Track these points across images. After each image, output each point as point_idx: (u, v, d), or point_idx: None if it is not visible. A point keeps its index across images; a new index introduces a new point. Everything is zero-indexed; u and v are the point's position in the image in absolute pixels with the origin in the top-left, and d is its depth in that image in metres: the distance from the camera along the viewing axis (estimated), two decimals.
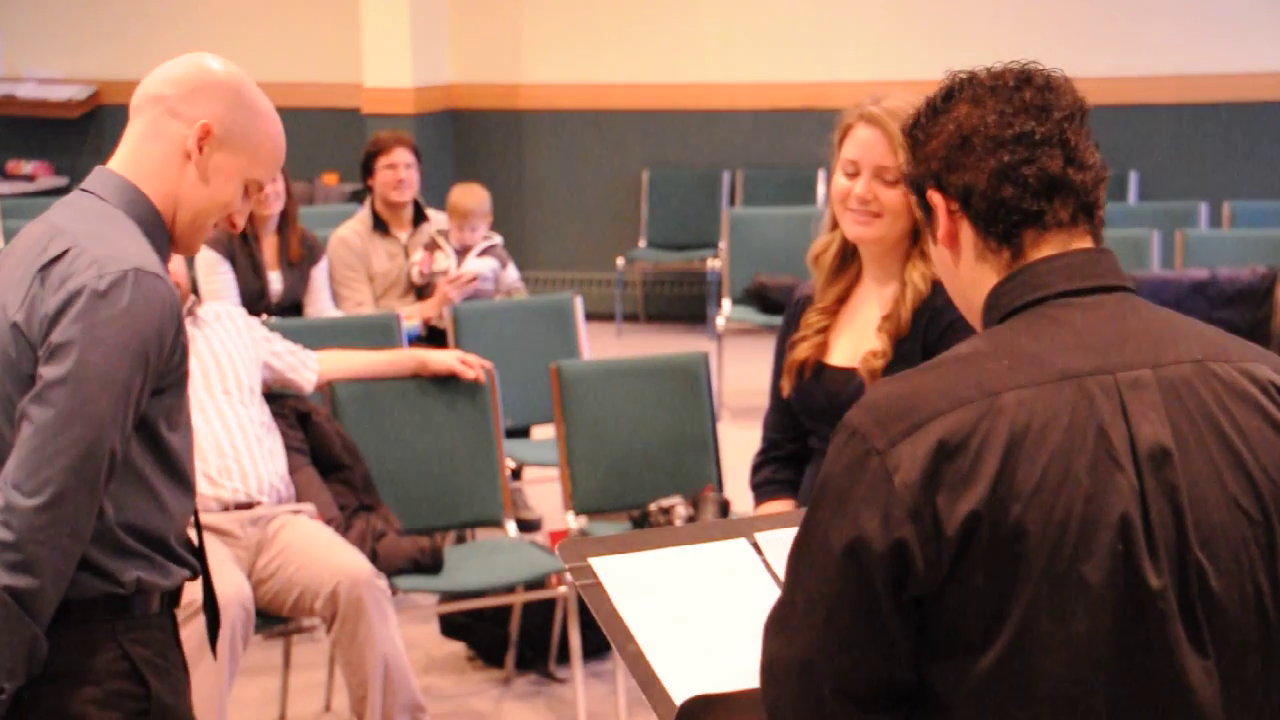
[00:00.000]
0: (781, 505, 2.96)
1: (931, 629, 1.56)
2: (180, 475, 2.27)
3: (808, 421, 2.94)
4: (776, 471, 3.01)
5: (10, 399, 2.17)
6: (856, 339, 2.86)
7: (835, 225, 2.90)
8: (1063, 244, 1.67)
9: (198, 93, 2.28)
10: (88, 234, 2.20)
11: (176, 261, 3.61)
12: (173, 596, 2.31)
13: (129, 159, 2.29)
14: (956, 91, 1.71)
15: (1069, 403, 1.57)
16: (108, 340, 2.13)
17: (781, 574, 2.08)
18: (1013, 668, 1.54)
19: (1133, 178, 8.60)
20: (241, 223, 2.39)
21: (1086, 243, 1.68)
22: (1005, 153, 1.65)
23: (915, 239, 2.82)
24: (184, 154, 2.27)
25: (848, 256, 2.92)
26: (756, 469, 3.05)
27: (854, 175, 2.81)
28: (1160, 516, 1.56)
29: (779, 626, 1.63)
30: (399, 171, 5.84)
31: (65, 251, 2.18)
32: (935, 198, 1.70)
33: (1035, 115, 1.66)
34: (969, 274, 1.70)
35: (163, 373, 2.20)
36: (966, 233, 1.69)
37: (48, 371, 2.13)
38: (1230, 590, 1.58)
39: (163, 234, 2.28)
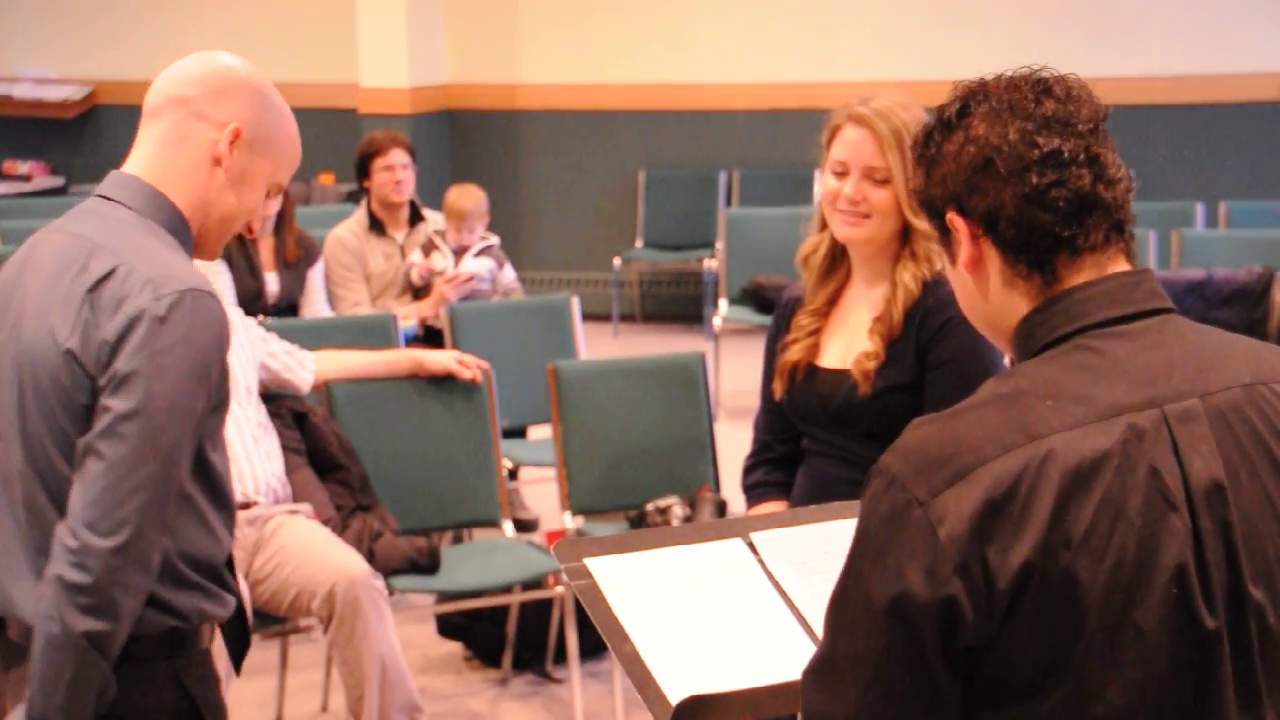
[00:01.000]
0: (773, 507, 2.95)
1: (980, 678, 1.50)
2: (223, 497, 2.19)
3: (800, 424, 2.94)
4: (768, 473, 3.00)
5: (65, 431, 2.08)
6: (848, 341, 2.86)
7: (824, 226, 2.90)
8: (1097, 267, 1.58)
9: (224, 94, 2.19)
10: (131, 250, 2.10)
11: None
12: (221, 627, 2.24)
13: (151, 163, 2.20)
14: (971, 105, 1.61)
15: (1119, 442, 1.49)
16: (173, 368, 2.05)
17: (777, 574, 2.09)
18: (1065, 716, 1.48)
19: None
20: (259, 228, 2.34)
21: (1122, 264, 1.60)
22: (1033, 175, 1.56)
23: (905, 240, 2.82)
24: (213, 159, 2.18)
25: (837, 257, 2.91)
26: (748, 471, 3.05)
27: (843, 176, 2.81)
28: (1215, 556, 1.50)
29: (820, 682, 1.55)
30: (396, 173, 5.84)
31: (112, 271, 2.08)
32: (956, 221, 1.61)
33: (1059, 131, 1.57)
34: (996, 300, 1.61)
35: (214, 393, 2.13)
36: (992, 258, 1.59)
37: (115, 404, 2.03)
38: None
39: (188, 241, 2.20)
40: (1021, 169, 1.56)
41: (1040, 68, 1.62)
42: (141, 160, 2.21)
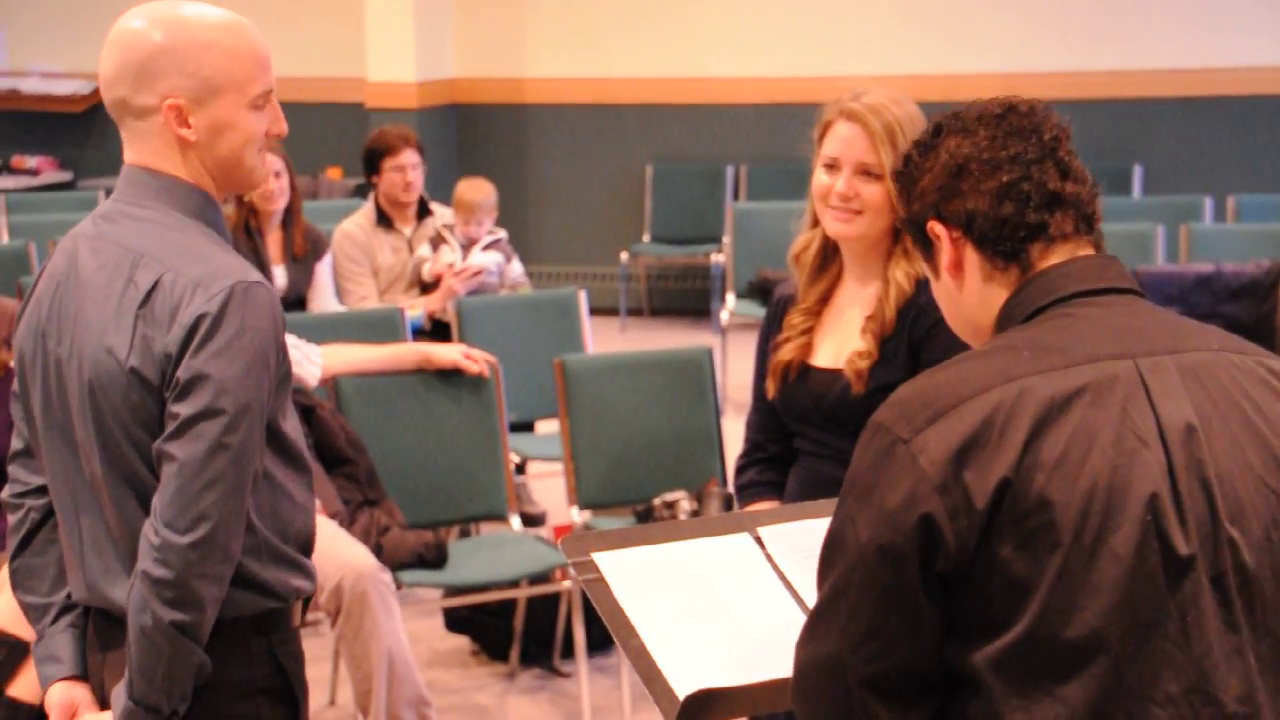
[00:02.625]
0: (766, 507, 2.92)
1: (959, 612, 1.58)
2: (298, 461, 2.25)
3: (793, 423, 2.91)
4: (761, 473, 2.98)
5: (142, 441, 2.13)
6: (841, 340, 2.83)
7: (815, 223, 2.88)
8: (1069, 253, 1.71)
9: (143, 76, 2.14)
10: (171, 253, 2.13)
11: None
12: (307, 603, 2.31)
13: (147, 157, 2.20)
14: (943, 127, 1.75)
15: (1091, 382, 1.60)
16: (233, 365, 2.08)
17: (784, 568, 2.09)
18: (1041, 639, 1.55)
19: (1137, 172, 8.59)
20: (269, 180, 2.30)
21: (1090, 251, 1.72)
22: (1003, 173, 1.69)
23: (897, 237, 2.79)
24: (181, 141, 2.16)
25: (829, 255, 2.88)
26: (740, 470, 3.02)
27: (834, 171, 2.80)
28: (1189, 490, 1.58)
29: (810, 633, 1.65)
30: (406, 173, 5.82)
31: (158, 281, 2.11)
32: (937, 229, 1.74)
33: (1025, 137, 1.71)
34: (976, 296, 1.73)
35: (275, 374, 2.17)
36: (971, 257, 1.72)
37: (183, 408, 2.08)
38: (1263, 565, 1.60)
39: (216, 210, 2.21)
40: (993, 168, 1.71)
41: (1008, 96, 1.77)
42: (140, 154, 2.22)
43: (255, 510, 2.16)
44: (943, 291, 1.78)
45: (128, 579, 2.16)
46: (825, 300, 2.89)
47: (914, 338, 2.76)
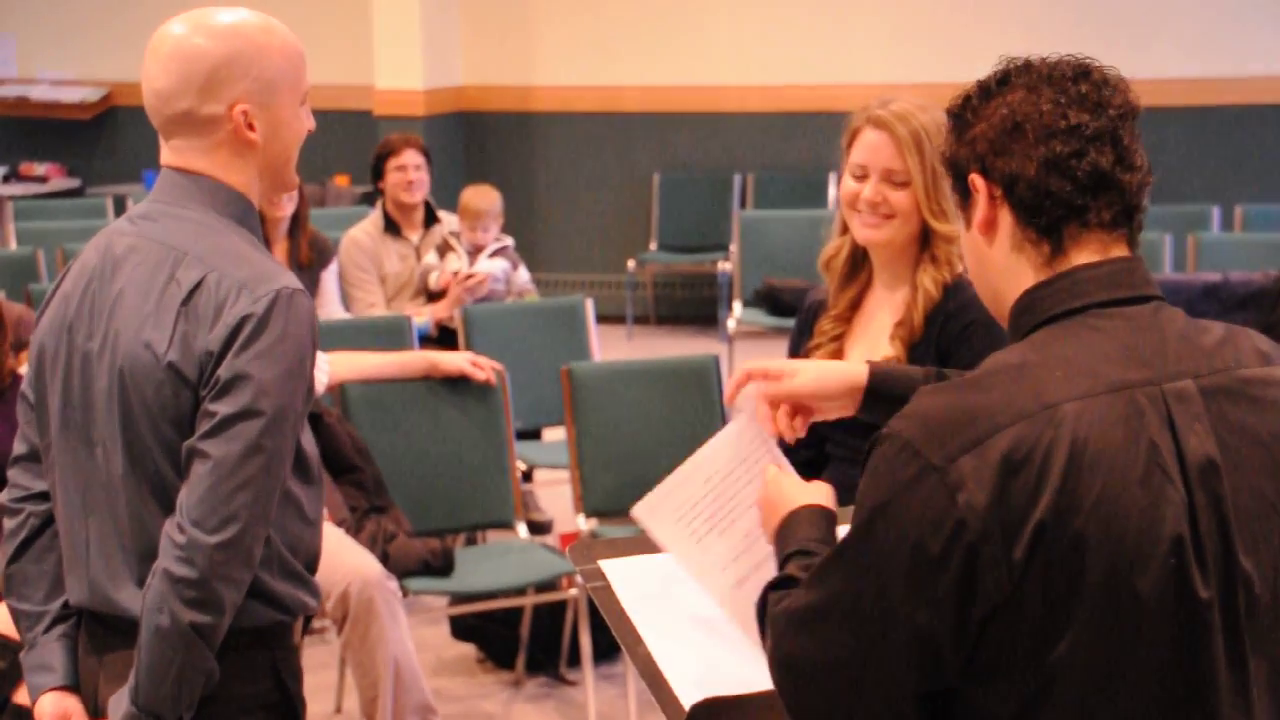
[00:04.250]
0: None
1: (980, 651, 1.53)
2: (310, 476, 2.24)
3: (823, 428, 2.93)
4: None
5: (171, 440, 2.12)
6: (870, 345, 2.85)
7: (845, 229, 2.90)
8: (1101, 247, 1.64)
9: (210, 86, 2.16)
10: (216, 254, 2.13)
11: None
12: (307, 622, 2.32)
13: (196, 164, 2.19)
14: (1012, 76, 1.67)
15: (1122, 415, 1.55)
16: (274, 368, 2.08)
17: None
18: (1066, 684, 1.52)
19: None
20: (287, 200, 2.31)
21: (1123, 249, 1.66)
22: (1058, 143, 1.62)
23: (925, 243, 2.81)
24: (245, 144, 2.18)
25: (858, 261, 2.91)
26: None
27: (862, 178, 2.81)
28: (1208, 529, 1.55)
29: (806, 629, 1.60)
30: (409, 173, 5.85)
31: (202, 280, 2.11)
32: (978, 181, 1.67)
33: (1090, 109, 1.63)
34: (1002, 262, 1.67)
35: (307, 384, 2.17)
36: (1006, 221, 1.66)
37: (221, 407, 2.07)
38: (1266, 592, 1.58)
39: (254, 217, 2.23)
40: (1048, 136, 1.62)
41: (1085, 57, 1.68)
42: (183, 159, 2.21)
43: (271, 523, 2.15)
44: (971, 246, 1.72)
45: (134, 583, 2.15)
46: (856, 306, 2.91)
47: (942, 343, 2.77)
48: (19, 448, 2.34)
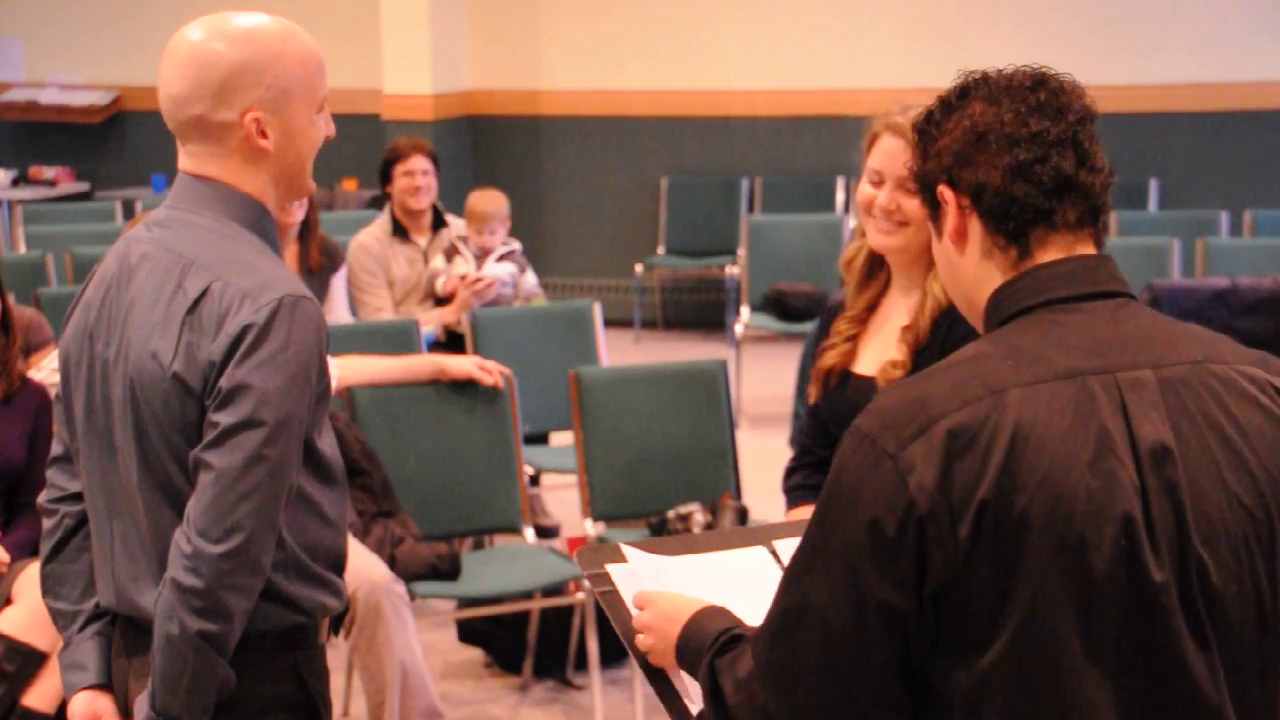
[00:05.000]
0: (810, 511, 2.96)
1: (940, 629, 1.58)
2: (332, 478, 2.25)
3: (834, 429, 2.95)
4: (808, 477, 3.03)
5: (179, 448, 2.13)
6: (882, 348, 2.88)
7: (865, 233, 2.92)
8: (1067, 247, 1.69)
9: (222, 93, 2.15)
10: (222, 262, 2.13)
11: None
12: (336, 620, 2.32)
13: (210, 169, 2.20)
14: (971, 90, 1.73)
15: (1071, 399, 1.59)
16: (277, 377, 2.08)
17: None
18: (1018, 660, 1.56)
19: (1153, 186, 8.58)
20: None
21: (1089, 248, 1.71)
22: (1021, 150, 1.67)
23: None
24: (257, 151, 2.18)
25: (876, 264, 2.94)
26: (789, 474, 3.08)
27: (878, 184, 2.82)
28: (1161, 512, 1.58)
29: (780, 636, 1.63)
30: (416, 179, 5.85)
31: (207, 289, 2.11)
32: (946, 193, 1.72)
33: (1050, 115, 1.68)
34: (973, 270, 1.73)
35: (317, 389, 2.17)
36: (975, 229, 1.71)
37: (222, 418, 2.08)
38: (1229, 585, 1.61)
39: (270, 222, 2.22)
40: (1011, 144, 1.68)
41: (1040, 66, 1.74)
42: (198, 164, 2.21)
43: (285, 526, 2.15)
44: (943, 256, 1.77)
45: (155, 586, 2.16)
46: (872, 308, 2.94)
47: (947, 348, 2.78)
48: (55, 448, 2.37)
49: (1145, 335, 1.67)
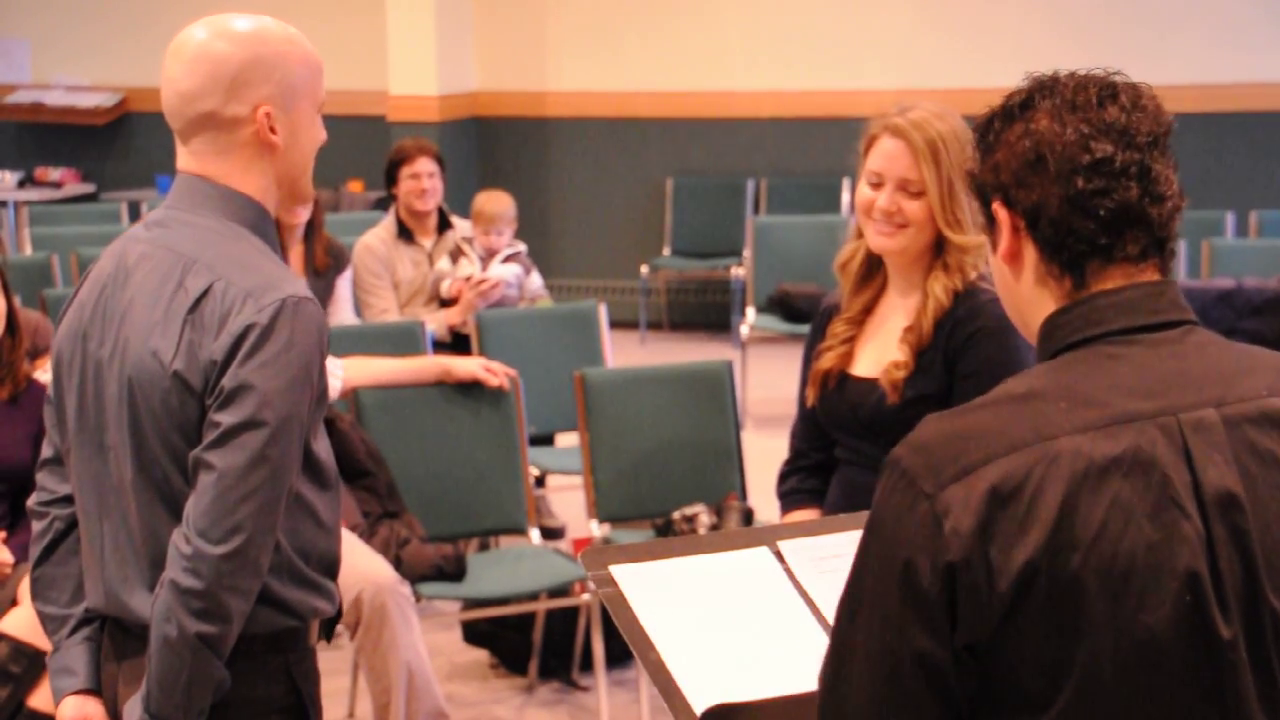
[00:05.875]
0: (807, 514, 2.96)
1: (989, 683, 1.50)
2: (327, 481, 2.24)
3: (832, 431, 2.94)
4: (802, 481, 3.01)
5: (179, 448, 2.12)
6: (881, 349, 2.86)
7: (861, 234, 2.91)
8: (1126, 277, 1.58)
9: (235, 87, 2.16)
10: (224, 261, 2.13)
11: None
12: (329, 623, 2.31)
13: (214, 169, 2.19)
14: (1036, 98, 1.61)
15: (1129, 448, 1.49)
16: (279, 378, 2.07)
17: (804, 582, 2.08)
18: None
19: None
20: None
21: (1152, 275, 1.59)
22: (1080, 179, 1.56)
23: (938, 251, 2.82)
24: (266, 146, 2.18)
25: (873, 266, 2.92)
26: (783, 478, 3.06)
27: (878, 186, 2.81)
28: (1229, 564, 1.49)
29: (833, 676, 1.56)
30: (422, 181, 5.85)
31: (209, 288, 2.11)
32: (1001, 212, 1.62)
33: (1116, 139, 1.56)
34: (1027, 294, 1.62)
35: (317, 391, 2.16)
36: (1030, 254, 1.60)
37: (224, 417, 2.07)
38: None
39: (270, 224, 2.22)
40: (1070, 171, 1.56)
41: (1114, 71, 1.62)
42: (200, 163, 2.21)
43: (280, 528, 2.14)
44: (999, 274, 1.66)
45: (146, 588, 2.15)
46: (869, 310, 2.92)
47: (950, 349, 2.78)
48: (46, 451, 2.36)
49: (1210, 368, 1.56)
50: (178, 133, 2.22)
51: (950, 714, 1.51)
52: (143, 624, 2.14)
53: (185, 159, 2.22)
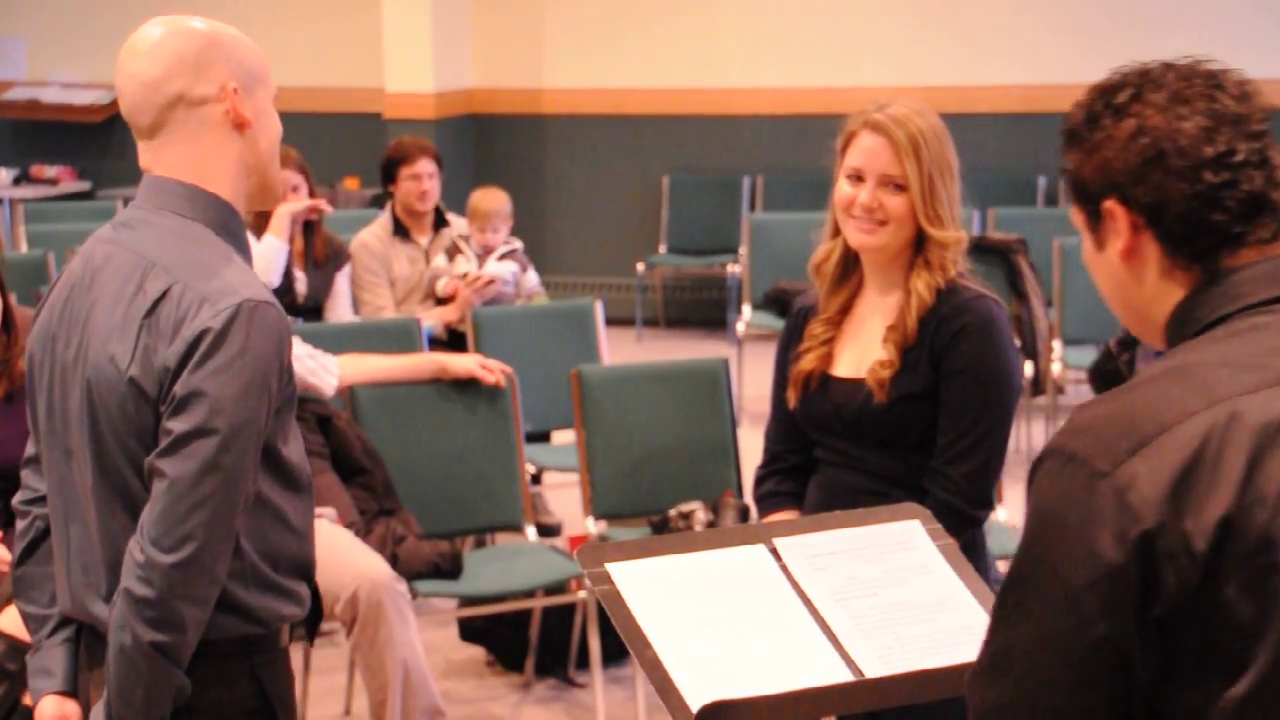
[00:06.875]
0: (785, 517, 2.92)
1: (1176, 654, 1.46)
2: (297, 485, 2.21)
3: (813, 433, 2.91)
4: (780, 484, 2.97)
5: (135, 453, 2.10)
6: (862, 349, 2.84)
7: (836, 233, 2.89)
8: (1259, 254, 1.56)
9: (200, 67, 2.16)
10: (184, 265, 2.11)
11: None
12: (311, 624, 2.29)
13: (181, 161, 2.18)
14: (1141, 91, 1.57)
15: None
16: (231, 385, 2.05)
17: (799, 579, 2.08)
18: (1273, 690, 1.44)
19: None
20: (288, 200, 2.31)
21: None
22: (1207, 172, 1.53)
23: (918, 247, 2.80)
24: (235, 125, 2.18)
25: (849, 265, 2.89)
26: (760, 481, 3.02)
27: (858, 182, 2.81)
28: None
29: (993, 675, 1.52)
30: (423, 182, 5.84)
31: (167, 291, 2.08)
32: (1115, 209, 1.57)
33: (1234, 129, 1.55)
34: (1151, 290, 1.58)
35: (277, 399, 2.13)
36: (1151, 249, 1.57)
37: (176, 425, 2.05)
38: None
39: (238, 222, 2.21)
40: (1195, 166, 1.54)
41: (1206, 59, 1.60)
42: (170, 160, 2.19)
43: (245, 534, 2.12)
44: (1106, 272, 1.62)
45: (106, 594, 2.13)
46: (846, 311, 2.89)
47: (935, 347, 2.77)
48: (29, 449, 2.34)
49: None
50: (145, 129, 2.20)
51: (1122, 700, 1.48)
52: (106, 629, 2.12)
53: (150, 157, 2.20)
